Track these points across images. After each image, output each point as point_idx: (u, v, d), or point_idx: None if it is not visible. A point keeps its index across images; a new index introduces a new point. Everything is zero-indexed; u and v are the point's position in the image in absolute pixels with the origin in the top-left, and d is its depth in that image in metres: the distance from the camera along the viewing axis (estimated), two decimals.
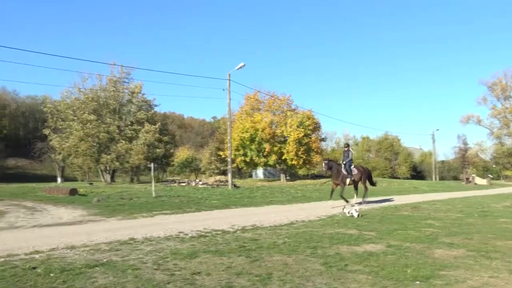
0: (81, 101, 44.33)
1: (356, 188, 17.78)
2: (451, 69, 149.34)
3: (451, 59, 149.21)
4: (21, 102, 76.11)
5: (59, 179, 54.62)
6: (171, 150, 55.94)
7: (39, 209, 16.55)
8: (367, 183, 18.59)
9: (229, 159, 33.43)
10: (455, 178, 74.39)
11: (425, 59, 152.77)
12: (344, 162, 17.07)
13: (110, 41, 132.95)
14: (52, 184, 38.97)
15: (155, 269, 5.88)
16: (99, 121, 43.69)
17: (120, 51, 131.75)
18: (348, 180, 16.75)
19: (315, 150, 49.86)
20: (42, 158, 58.21)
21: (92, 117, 42.90)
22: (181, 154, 64.23)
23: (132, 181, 51.01)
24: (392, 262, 6.40)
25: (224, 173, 52.86)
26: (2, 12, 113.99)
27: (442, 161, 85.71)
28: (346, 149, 17.86)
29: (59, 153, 45.89)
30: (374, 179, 19.91)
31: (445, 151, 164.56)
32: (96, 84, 45.92)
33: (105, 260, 6.44)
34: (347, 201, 16.03)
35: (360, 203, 16.28)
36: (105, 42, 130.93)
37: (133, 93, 47.25)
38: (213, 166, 62.57)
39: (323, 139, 58.61)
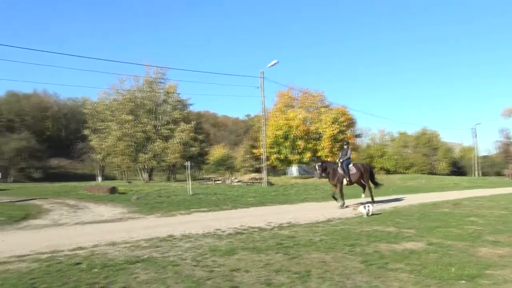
0: (118, 102, 45.55)
1: (363, 187, 16.70)
2: (491, 62, 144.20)
3: (489, 52, 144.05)
4: (62, 104, 78.98)
5: (99, 178, 56.33)
6: (206, 149, 56.58)
7: (81, 207, 17.11)
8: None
9: (263, 157, 33.48)
10: (498, 174, 71.43)
11: (465, 53, 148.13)
12: (340, 161, 15.70)
13: (146, 42, 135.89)
14: (93, 183, 40.21)
15: (195, 265, 5.94)
16: (136, 121, 44.74)
17: (155, 51, 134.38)
18: (345, 180, 15.39)
19: (350, 146, 49.25)
20: (83, 157, 60.28)
21: (129, 117, 43.99)
22: (216, 152, 64.86)
23: (168, 179, 51.95)
24: (434, 261, 6.21)
25: (258, 170, 52.99)
26: (39, 15, 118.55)
27: (484, 156, 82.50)
28: (345, 147, 16.42)
29: (99, 153, 47.32)
30: (378, 178, 18.05)
31: (487, 146, 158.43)
32: (133, 85, 47.09)
33: (145, 257, 6.58)
34: (341, 201, 15.13)
35: (372, 202, 14.26)
36: (141, 43, 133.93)
37: (168, 93, 48.10)
38: (248, 164, 62.86)
39: (358, 135, 57.76)
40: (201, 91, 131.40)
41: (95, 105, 47.02)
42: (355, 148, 51.10)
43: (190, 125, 46.45)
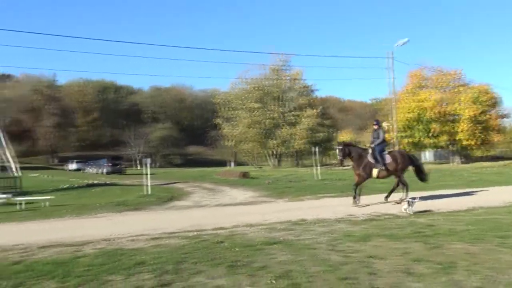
0: (246, 90, 47.68)
1: (401, 181, 12.54)
2: None
3: None
4: (195, 95, 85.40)
5: (231, 164, 59.91)
6: (333, 134, 56.21)
7: (218, 190, 18.46)
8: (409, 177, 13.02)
9: (394, 141, 32.01)
10: None
11: None
12: (372, 146, 12.11)
13: (270, 30, 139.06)
14: (226, 168, 42.96)
15: (330, 250, 5.97)
16: (264, 109, 46.35)
17: (280, 39, 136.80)
18: (376, 171, 11.73)
19: (495, 128, 44.15)
20: (216, 145, 64.67)
21: (257, 105, 45.81)
22: (343, 137, 63.80)
23: (296, 164, 52.88)
24: None
25: None
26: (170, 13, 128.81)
27: None
28: (375, 127, 12.51)
29: (230, 140, 50.22)
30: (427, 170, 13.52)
31: None
32: (259, 73, 48.78)
33: (281, 239, 6.82)
34: (355, 198, 11.65)
35: (412, 201, 10.04)
36: (266, 31, 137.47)
37: (293, 79, 48.81)
38: None
39: (504, 116, 51.55)
40: (326, 76, 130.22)
41: (225, 95, 49.95)
42: (499, 130, 45.79)
43: (315, 111, 46.64)
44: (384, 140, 12.33)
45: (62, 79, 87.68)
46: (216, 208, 12.06)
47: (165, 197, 15.13)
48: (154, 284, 4.47)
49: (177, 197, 15.52)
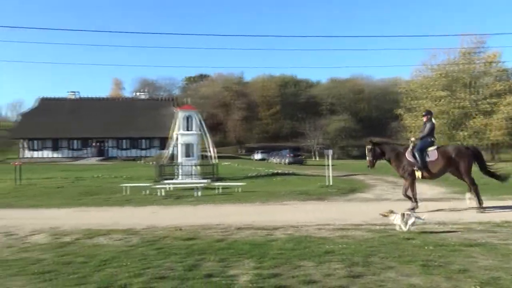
0: (431, 78, 44.27)
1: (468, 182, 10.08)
2: None
3: None
4: (374, 85, 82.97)
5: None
6: None
7: (401, 183, 17.50)
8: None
9: None
10: None
11: None
12: (412, 139, 10.46)
13: (461, 11, 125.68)
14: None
15: None
16: (452, 97, 42.39)
17: (472, 19, 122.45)
18: (416, 171, 9.79)
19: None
20: (396, 136, 61.91)
21: (444, 93, 42.16)
22: None
23: (492, 158, 46.83)
24: None
25: None
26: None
27: None
28: (424, 119, 10.55)
29: (410, 132, 47.41)
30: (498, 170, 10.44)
31: None
32: (445, 59, 44.71)
33: (481, 241, 6.12)
34: (415, 203, 9.81)
35: (411, 214, 7.18)
36: (455, 13, 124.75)
37: (488, 63, 43.30)
38: None
39: None
40: None
41: (407, 83, 47.37)
42: None
43: None
44: (429, 134, 10.17)
45: (249, 76, 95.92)
46: (400, 203, 11.48)
47: (345, 189, 15.16)
48: (345, 274, 4.49)
49: (358, 189, 15.41)
